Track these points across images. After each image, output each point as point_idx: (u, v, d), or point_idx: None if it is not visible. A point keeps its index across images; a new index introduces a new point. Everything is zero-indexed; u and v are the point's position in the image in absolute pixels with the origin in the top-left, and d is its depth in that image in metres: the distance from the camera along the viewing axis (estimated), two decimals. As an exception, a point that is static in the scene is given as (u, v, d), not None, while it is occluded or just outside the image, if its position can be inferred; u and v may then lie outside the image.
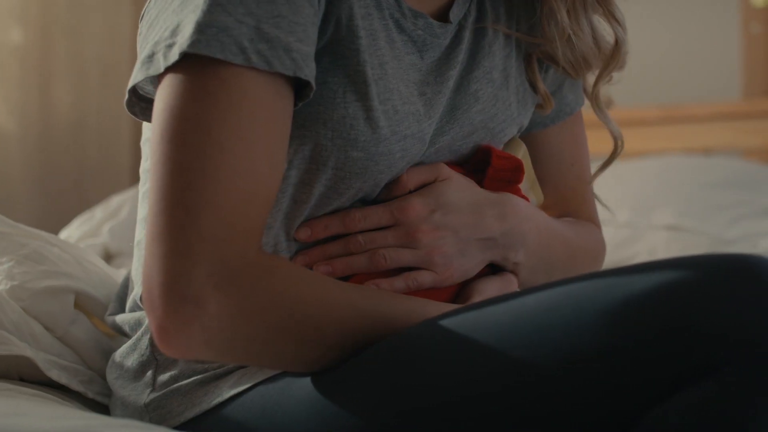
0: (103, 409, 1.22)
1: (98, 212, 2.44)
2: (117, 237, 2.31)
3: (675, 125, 3.31)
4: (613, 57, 1.20)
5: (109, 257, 2.31)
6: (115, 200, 2.52)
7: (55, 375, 1.21)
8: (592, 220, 1.35)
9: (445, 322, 0.96)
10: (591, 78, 1.26)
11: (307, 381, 1.00)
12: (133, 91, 1.03)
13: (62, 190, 3.20)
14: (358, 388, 0.97)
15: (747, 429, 0.81)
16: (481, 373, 0.91)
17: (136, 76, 1.00)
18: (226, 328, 0.93)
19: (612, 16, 1.20)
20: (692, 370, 0.84)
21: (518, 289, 1.16)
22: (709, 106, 3.30)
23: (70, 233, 2.38)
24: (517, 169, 1.18)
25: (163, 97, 0.96)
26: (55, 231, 2.54)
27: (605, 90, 1.27)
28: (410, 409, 0.93)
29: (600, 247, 1.34)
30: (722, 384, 0.83)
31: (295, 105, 1.01)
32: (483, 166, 1.17)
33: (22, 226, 1.37)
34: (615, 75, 1.25)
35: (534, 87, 1.24)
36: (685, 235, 2.62)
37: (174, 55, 0.95)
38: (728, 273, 0.86)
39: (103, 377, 1.23)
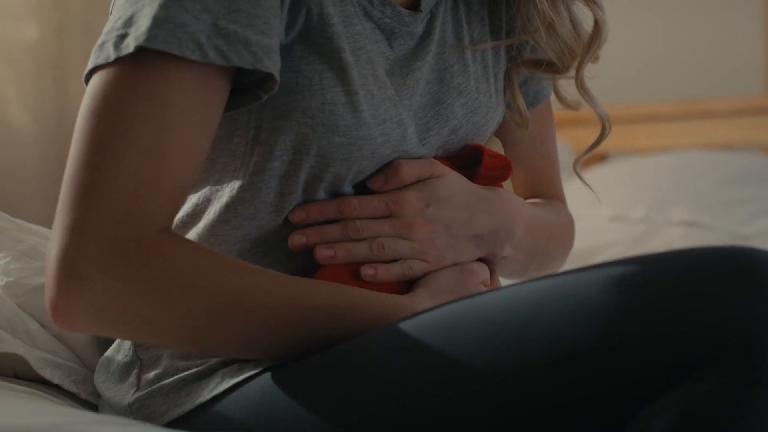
0: (95, 410, 1.20)
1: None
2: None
3: (695, 121, 3.29)
4: (594, 39, 1.21)
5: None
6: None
7: (48, 374, 1.19)
8: (560, 198, 1.39)
9: (434, 316, 0.95)
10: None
11: (289, 380, 0.99)
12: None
13: (77, 187, 3.18)
14: (344, 388, 0.95)
15: (737, 426, 0.80)
16: (471, 370, 0.89)
17: (88, 65, 1.00)
18: (111, 307, 0.94)
19: None
20: (683, 368, 0.82)
21: (481, 276, 1.15)
22: (729, 101, 3.27)
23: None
24: (507, 167, 1.20)
25: (95, 82, 0.98)
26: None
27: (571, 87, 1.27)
28: (396, 409, 0.92)
29: (570, 225, 1.37)
30: (713, 381, 0.81)
31: (261, 98, 1.01)
32: (472, 163, 1.19)
33: (19, 221, 1.36)
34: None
35: (513, 105, 1.25)
36: (702, 231, 2.61)
37: (127, 47, 0.95)
38: (719, 267, 0.84)
39: (99, 376, 1.22)
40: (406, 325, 0.96)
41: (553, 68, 1.23)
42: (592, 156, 3.13)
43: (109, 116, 0.96)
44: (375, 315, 1.02)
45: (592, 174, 3.12)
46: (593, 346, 0.85)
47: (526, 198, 1.34)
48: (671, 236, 2.62)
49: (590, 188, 1.32)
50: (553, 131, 1.38)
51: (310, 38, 1.04)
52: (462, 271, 1.13)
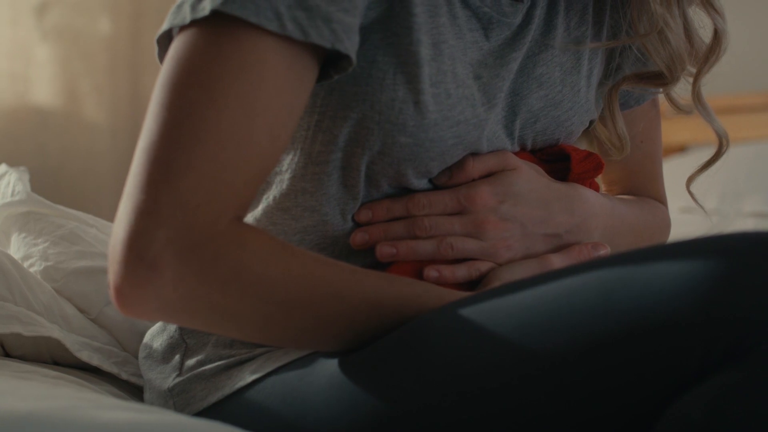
0: (137, 390, 1.19)
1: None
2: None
3: (778, 112, 3.22)
4: (713, 49, 1.14)
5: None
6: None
7: (85, 356, 1.18)
8: (659, 198, 1.32)
9: (466, 308, 0.90)
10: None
11: (326, 367, 0.96)
12: (168, 42, 0.97)
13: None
14: (376, 378, 0.92)
15: None
16: (501, 361, 0.85)
17: (163, 26, 0.94)
18: (182, 296, 0.88)
19: (710, 6, 1.13)
20: (718, 358, 0.78)
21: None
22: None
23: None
24: (598, 168, 1.14)
25: (176, 47, 0.91)
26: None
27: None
28: (430, 402, 0.88)
29: (664, 225, 1.30)
30: (748, 370, 0.76)
31: (331, 77, 0.95)
32: (557, 158, 1.13)
33: (60, 207, 1.36)
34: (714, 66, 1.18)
35: (611, 126, 1.19)
36: (775, 223, 2.56)
37: (203, 10, 0.90)
38: (757, 252, 0.80)
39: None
40: (440, 316, 0.91)
41: (659, 80, 1.16)
42: (671, 147, 3.07)
43: (194, 89, 0.88)
44: None
45: (670, 165, 3.05)
46: (625, 334, 0.80)
47: (620, 194, 1.28)
48: (742, 228, 2.57)
49: (702, 207, 1.25)
50: (658, 130, 1.30)
51: (390, 27, 0.98)
52: (540, 265, 1.06)
